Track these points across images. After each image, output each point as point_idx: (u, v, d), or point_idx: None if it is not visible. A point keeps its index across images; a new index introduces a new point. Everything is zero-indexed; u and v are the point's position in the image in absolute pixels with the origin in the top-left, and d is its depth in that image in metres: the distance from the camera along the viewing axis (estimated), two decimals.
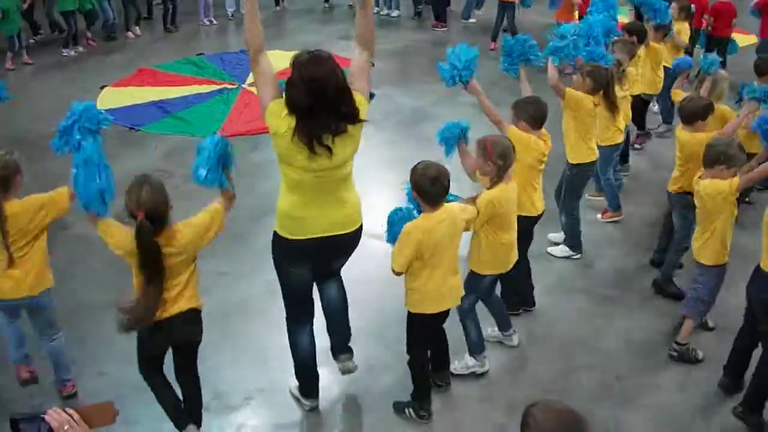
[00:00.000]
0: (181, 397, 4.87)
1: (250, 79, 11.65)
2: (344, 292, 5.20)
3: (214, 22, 16.35)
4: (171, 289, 4.42)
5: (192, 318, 4.59)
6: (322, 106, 4.17)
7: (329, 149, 4.24)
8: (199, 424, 4.92)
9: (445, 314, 5.08)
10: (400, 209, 4.89)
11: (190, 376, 4.91)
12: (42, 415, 2.35)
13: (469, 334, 5.69)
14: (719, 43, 12.16)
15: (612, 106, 7.08)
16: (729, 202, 5.43)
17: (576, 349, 6.06)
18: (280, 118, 4.25)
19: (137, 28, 15.54)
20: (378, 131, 10.30)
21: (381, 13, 17.26)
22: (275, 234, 4.70)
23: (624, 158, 8.88)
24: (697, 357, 5.88)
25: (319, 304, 5.16)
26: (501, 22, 14.32)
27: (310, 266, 4.82)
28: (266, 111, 4.36)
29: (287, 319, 5.09)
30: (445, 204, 4.76)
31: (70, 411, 2.38)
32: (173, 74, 12.91)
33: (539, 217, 6.11)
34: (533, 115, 5.84)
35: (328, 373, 5.53)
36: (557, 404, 2.80)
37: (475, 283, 5.54)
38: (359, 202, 4.72)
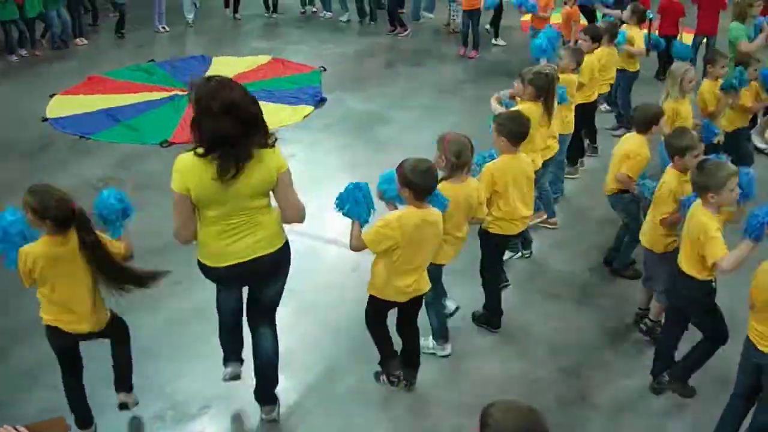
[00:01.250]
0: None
1: None
2: (276, 343, 5.12)
3: (167, 29, 16.23)
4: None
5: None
6: (241, 131, 4.11)
7: (238, 172, 4.14)
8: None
9: (406, 304, 5.16)
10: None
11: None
12: None
13: (431, 323, 5.91)
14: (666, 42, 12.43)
15: (548, 114, 6.92)
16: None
17: (537, 347, 6.11)
18: (192, 172, 4.19)
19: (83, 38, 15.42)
20: (331, 136, 10.32)
21: (325, 16, 17.38)
22: (198, 261, 4.63)
23: (572, 160, 8.97)
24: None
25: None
26: (468, 29, 14.31)
27: (239, 287, 4.89)
28: (175, 173, 4.25)
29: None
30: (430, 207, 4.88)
31: (21, 429, 2.35)
32: (123, 81, 12.78)
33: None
34: (513, 131, 5.85)
35: (284, 378, 5.53)
36: (516, 403, 2.82)
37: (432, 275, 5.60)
38: (279, 224, 4.62)
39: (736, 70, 8.01)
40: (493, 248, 6.20)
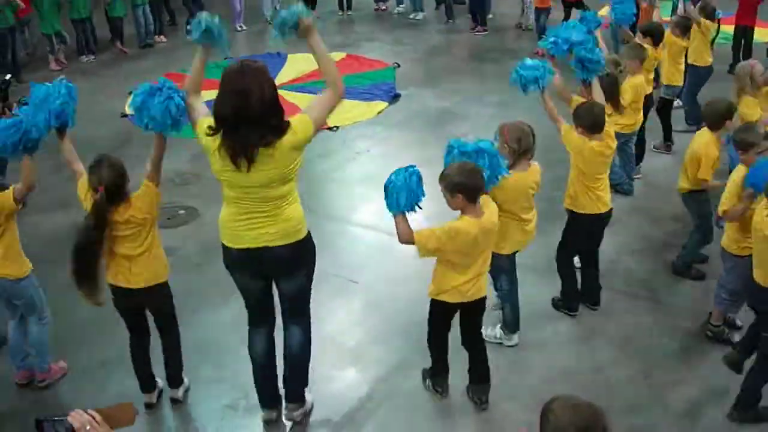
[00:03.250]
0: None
1: (276, 81, 11.68)
2: (305, 340, 5.00)
3: (244, 27, 16.44)
4: (131, 259, 4.85)
5: (156, 290, 5.03)
6: (246, 118, 4.07)
7: (250, 161, 4.12)
8: (173, 385, 5.39)
9: (467, 307, 5.08)
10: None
11: (167, 341, 5.31)
12: (64, 417, 2.39)
13: (504, 313, 5.93)
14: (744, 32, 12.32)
15: (616, 110, 6.95)
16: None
17: (608, 345, 6.05)
18: (207, 137, 4.23)
19: (162, 36, 15.77)
20: (405, 132, 10.35)
21: (406, 14, 17.39)
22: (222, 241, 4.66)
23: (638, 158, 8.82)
24: (731, 339, 5.94)
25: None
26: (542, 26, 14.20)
27: (252, 276, 4.73)
28: (196, 129, 4.36)
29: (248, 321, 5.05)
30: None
31: (92, 412, 2.42)
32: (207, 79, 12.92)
33: (603, 215, 6.12)
34: (589, 121, 5.82)
35: (355, 372, 5.62)
36: (576, 399, 2.85)
37: (498, 265, 5.62)
38: (300, 218, 4.56)
39: None
40: (575, 230, 6.21)
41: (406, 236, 4.70)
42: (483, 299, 5.08)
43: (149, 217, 4.82)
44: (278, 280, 4.76)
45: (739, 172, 5.59)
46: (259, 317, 4.92)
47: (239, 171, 4.16)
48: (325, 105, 4.40)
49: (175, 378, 5.39)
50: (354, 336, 6.07)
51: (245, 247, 4.47)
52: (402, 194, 4.59)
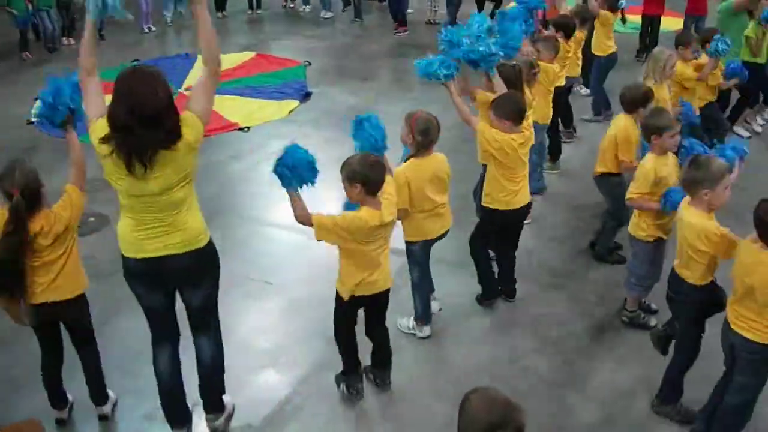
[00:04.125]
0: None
1: (187, 83, 11.57)
2: (216, 352, 4.88)
3: (153, 29, 16.15)
4: (53, 271, 4.64)
5: (77, 302, 4.85)
6: (141, 122, 3.93)
7: (145, 168, 4.01)
8: (99, 402, 5.21)
9: (373, 300, 5.07)
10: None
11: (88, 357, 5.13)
12: None
13: (415, 304, 5.96)
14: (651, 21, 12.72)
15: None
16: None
17: (524, 333, 6.12)
18: (100, 141, 4.06)
19: (71, 38, 15.35)
20: (317, 130, 10.30)
21: (316, 12, 17.29)
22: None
23: (554, 155, 8.94)
24: (647, 323, 6.05)
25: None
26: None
27: (154, 289, 4.54)
28: (88, 130, 4.18)
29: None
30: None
31: None
32: (109, 82, 12.63)
33: (515, 211, 6.09)
34: (513, 110, 5.78)
35: (274, 374, 5.60)
36: (493, 392, 2.86)
37: (410, 254, 5.76)
38: (201, 226, 4.44)
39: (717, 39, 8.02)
40: (491, 224, 6.23)
41: (301, 216, 4.65)
42: (387, 291, 5.09)
43: (71, 226, 4.68)
44: (182, 291, 4.62)
45: (650, 160, 5.66)
46: (162, 334, 4.76)
47: (134, 177, 4.03)
48: (208, 92, 4.28)
49: (99, 394, 5.22)
50: (271, 338, 6.01)
51: (146, 257, 4.33)
52: (295, 170, 4.51)
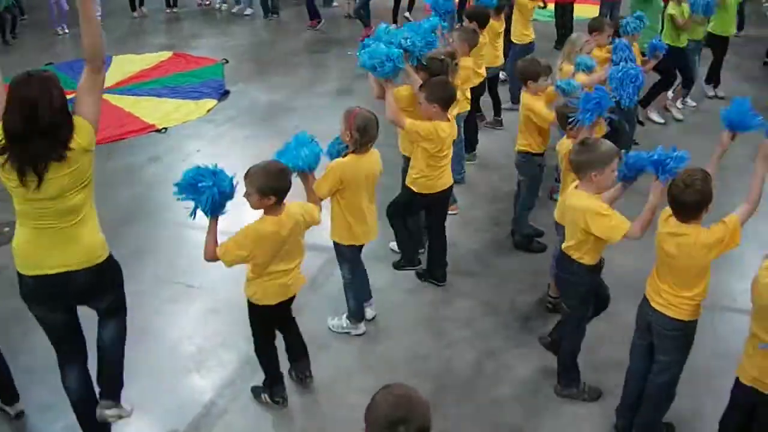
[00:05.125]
0: None
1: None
2: (118, 336, 4.61)
3: (66, 31, 15.73)
4: None
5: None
6: (36, 130, 3.82)
7: (40, 177, 3.89)
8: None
9: (287, 303, 5.09)
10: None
11: None
12: None
13: (348, 303, 5.95)
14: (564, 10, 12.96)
15: None
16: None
17: (451, 325, 6.16)
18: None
19: None
20: (236, 128, 10.22)
21: (232, 9, 17.16)
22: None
23: (470, 147, 8.99)
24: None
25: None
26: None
27: (53, 309, 4.36)
28: None
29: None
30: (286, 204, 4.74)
31: None
32: None
33: (437, 194, 6.20)
34: (443, 96, 5.87)
35: (198, 378, 5.53)
36: (399, 390, 2.86)
37: (339, 252, 5.75)
38: (100, 239, 4.30)
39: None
40: (415, 205, 6.36)
41: (209, 254, 4.67)
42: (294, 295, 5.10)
43: None
44: (89, 304, 4.45)
45: (563, 146, 5.78)
46: (69, 356, 4.57)
47: (27, 183, 3.90)
48: (94, 92, 4.14)
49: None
50: (195, 342, 5.94)
51: (44, 273, 4.14)
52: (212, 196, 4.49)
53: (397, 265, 6.68)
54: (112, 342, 4.60)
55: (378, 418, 2.76)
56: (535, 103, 6.54)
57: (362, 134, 5.26)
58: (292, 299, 5.13)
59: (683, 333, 4.50)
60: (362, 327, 6.00)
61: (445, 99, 5.87)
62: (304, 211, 4.86)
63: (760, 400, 4.17)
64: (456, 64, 7.10)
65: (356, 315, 5.97)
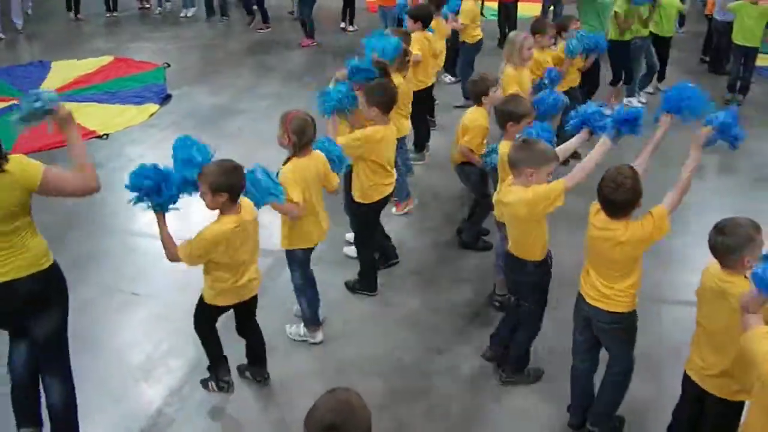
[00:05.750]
0: None
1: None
2: (68, 393, 4.59)
3: (3, 36, 15.44)
4: None
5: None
6: None
7: None
8: None
9: (245, 306, 5.06)
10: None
11: None
12: None
13: (302, 310, 5.87)
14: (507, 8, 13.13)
15: None
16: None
17: (400, 325, 6.17)
18: None
19: None
20: (179, 132, 9.93)
21: (175, 11, 16.96)
22: None
23: (420, 145, 9.06)
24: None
25: None
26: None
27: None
28: None
29: None
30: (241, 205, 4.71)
31: None
32: None
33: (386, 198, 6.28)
34: (383, 99, 5.88)
35: (146, 387, 5.44)
36: (338, 395, 2.88)
37: (291, 258, 5.68)
38: (43, 249, 4.26)
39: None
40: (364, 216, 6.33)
41: (171, 255, 4.63)
42: (255, 296, 5.08)
43: None
44: (28, 322, 4.36)
45: (505, 147, 5.68)
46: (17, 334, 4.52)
47: None
48: (67, 183, 4.14)
49: None
50: (142, 350, 5.84)
51: None
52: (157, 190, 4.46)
53: (353, 287, 6.56)
54: (65, 404, 4.58)
55: (315, 422, 2.77)
56: (481, 118, 6.50)
57: (300, 136, 5.23)
58: (251, 303, 5.10)
59: (622, 325, 4.55)
60: (320, 335, 5.92)
61: (384, 102, 5.87)
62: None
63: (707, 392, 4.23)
64: (408, 61, 7.17)
65: (312, 322, 5.90)
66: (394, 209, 7.75)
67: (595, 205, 4.42)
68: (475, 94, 6.61)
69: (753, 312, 3.49)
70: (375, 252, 6.64)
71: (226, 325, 5.17)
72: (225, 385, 5.17)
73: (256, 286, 5.02)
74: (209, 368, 5.22)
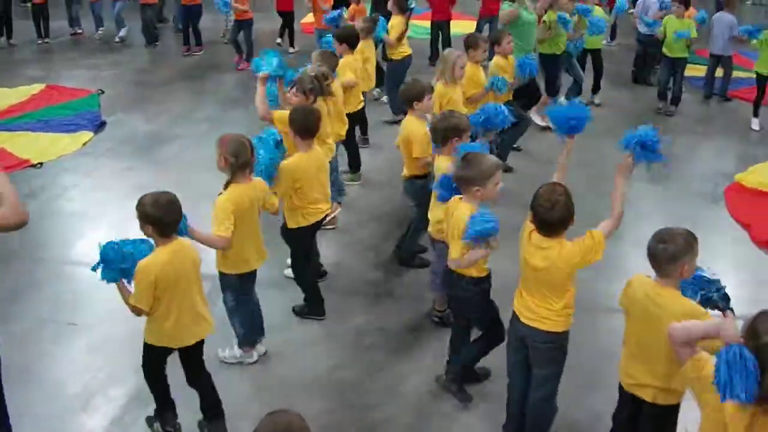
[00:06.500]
0: None
1: None
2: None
3: None
4: None
5: None
6: None
7: None
8: None
9: (192, 347, 4.96)
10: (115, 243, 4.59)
11: None
12: None
13: (235, 331, 5.83)
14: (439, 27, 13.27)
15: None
16: None
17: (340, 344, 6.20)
18: None
19: None
20: (113, 160, 10.02)
21: (108, 37, 16.83)
22: None
23: (355, 167, 9.08)
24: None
25: None
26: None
27: None
28: None
29: None
30: (178, 238, 4.70)
31: None
32: None
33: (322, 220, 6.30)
34: (303, 125, 5.90)
35: (85, 418, 5.38)
36: (284, 416, 2.92)
37: (226, 283, 5.63)
38: None
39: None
40: (297, 242, 6.32)
41: (132, 310, 4.64)
42: (201, 341, 4.98)
43: None
44: None
45: (443, 162, 5.72)
46: None
47: None
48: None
49: None
50: (80, 380, 5.76)
51: None
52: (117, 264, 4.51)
53: (301, 312, 6.53)
54: None
55: None
56: (419, 128, 6.52)
57: (236, 157, 5.18)
58: (197, 347, 4.99)
59: (557, 345, 4.60)
60: (255, 354, 5.92)
61: (305, 128, 5.89)
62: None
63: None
64: (328, 85, 7.17)
65: (247, 341, 5.89)
66: None
67: (528, 227, 4.47)
68: (407, 99, 6.63)
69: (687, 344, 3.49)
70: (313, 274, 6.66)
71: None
72: (171, 429, 5.14)
73: (204, 330, 4.94)
74: (156, 411, 5.17)
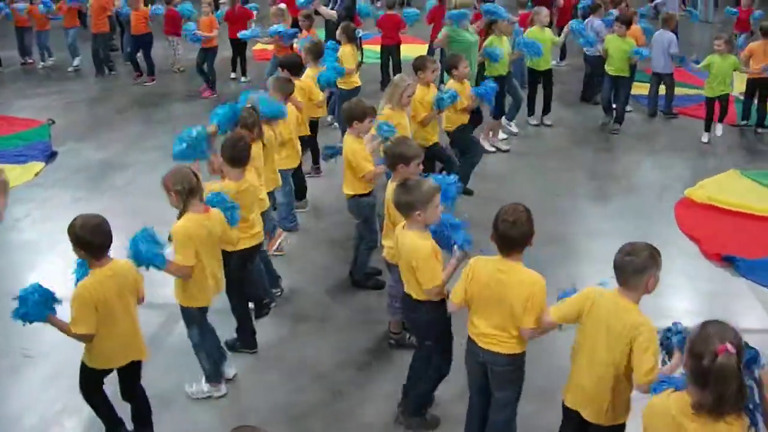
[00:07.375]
0: None
1: None
2: None
3: None
4: None
5: None
6: None
7: None
8: None
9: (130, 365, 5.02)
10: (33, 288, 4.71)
11: None
12: None
13: (203, 366, 5.80)
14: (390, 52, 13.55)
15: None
16: None
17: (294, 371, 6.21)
18: None
19: None
20: (66, 190, 9.97)
21: (60, 66, 16.71)
22: None
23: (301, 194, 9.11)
24: (413, 342, 6.06)
25: None
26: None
27: None
28: None
29: None
30: (114, 259, 4.74)
31: None
32: None
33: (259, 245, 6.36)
34: (232, 155, 5.91)
35: None
36: (250, 429, 3.01)
37: (190, 317, 5.61)
38: None
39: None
40: (242, 268, 6.26)
41: (72, 337, 4.68)
42: (139, 361, 5.05)
43: None
44: None
45: (389, 188, 5.77)
46: None
47: None
48: None
49: None
50: (37, 411, 5.74)
51: None
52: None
53: (233, 347, 6.41)
54: None
55: None
56: (358, 146, 6.69)
57: (182, 185, 5.15)
58: (133, 368, 5.05)
59: (516, 366, 4.68)
60: (223, 388, 5.87)
61: (233, 157, 5.89)
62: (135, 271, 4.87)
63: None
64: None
65: (214, 376, 5.84)
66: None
67: (480, 260, 4.60)
68: (349, 117, 6.76)
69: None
70: (250, 302, 6.63)
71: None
72: None
73: (136, 352, 5.00)
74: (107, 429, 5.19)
